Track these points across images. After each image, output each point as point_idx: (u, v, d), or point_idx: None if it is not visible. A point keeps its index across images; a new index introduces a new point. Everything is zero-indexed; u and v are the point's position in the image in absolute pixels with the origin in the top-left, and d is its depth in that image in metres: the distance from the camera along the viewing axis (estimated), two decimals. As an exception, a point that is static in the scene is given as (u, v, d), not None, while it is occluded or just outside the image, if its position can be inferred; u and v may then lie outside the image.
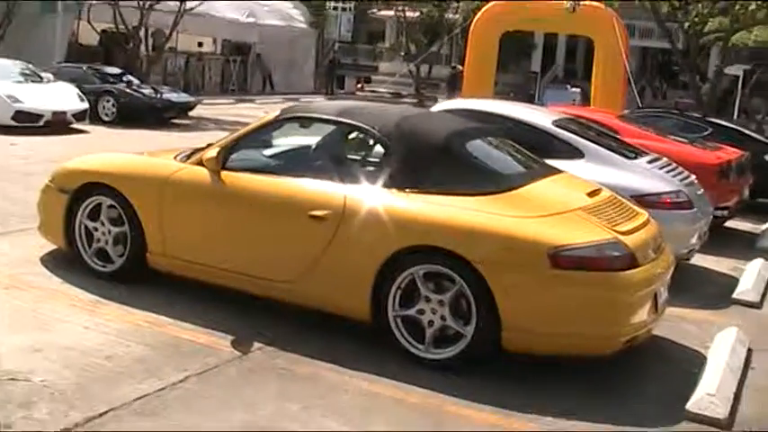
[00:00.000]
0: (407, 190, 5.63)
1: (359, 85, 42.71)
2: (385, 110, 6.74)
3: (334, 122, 6.38)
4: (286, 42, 36.29)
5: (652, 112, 15.87)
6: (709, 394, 5.25)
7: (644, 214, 6.17)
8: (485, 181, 5.72)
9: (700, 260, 9.25)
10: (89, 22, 26.12)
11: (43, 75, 19.25)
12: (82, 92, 18.98)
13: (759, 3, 15.10)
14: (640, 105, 21.77)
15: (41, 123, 17.16)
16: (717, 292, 8.28)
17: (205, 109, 23.69)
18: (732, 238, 11.23)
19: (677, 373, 5.93)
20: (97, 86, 20.48)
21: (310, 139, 6.84)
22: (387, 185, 5.71)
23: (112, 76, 21.95)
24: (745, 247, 10.70)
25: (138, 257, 6.61)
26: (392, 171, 5.79)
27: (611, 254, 5.26)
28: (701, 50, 19.73)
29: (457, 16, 35.10)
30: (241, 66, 34.94)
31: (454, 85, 30.37)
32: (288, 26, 36.84)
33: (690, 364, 6.01)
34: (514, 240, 5.25)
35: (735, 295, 8.06)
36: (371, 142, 5.97)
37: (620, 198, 6.26)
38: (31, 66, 19.37)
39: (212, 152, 6.28)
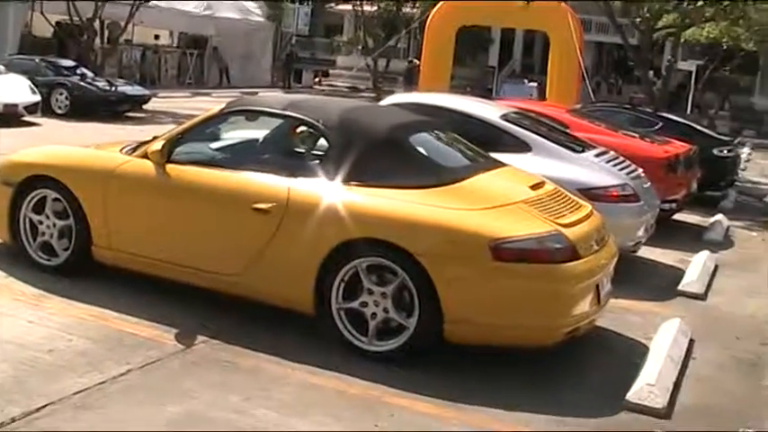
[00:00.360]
0: (351, 183, 5.64)
1: (317, 79, 42.66)
2: (330, 103, 6.75)
3: (280, 116, 6.37)
4: (243, 35, 36.12)
5: (604, 106, 16.08)
6: (648, 384, 5.32)
7: (587, 207, 6.24)
8: (428, 174, 5.74)
9: (647, 252, 9.38)
10: (42, 13, 25.74)
11: (-2, 67, 19.03)
12: (34, 84, 18.78)
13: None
14: (594, 100, 21.98)
15: (-9, 116, 16.93)
16: (662, 284, 8.40)
17: (161, 102, 23.50)
18: (680, 231, 11.40)
19: (619, 364, 6.00)
20: (50, 79, 20.28)
21: (257, 132, 6.82)
22: (330, 178, 5.71)
23: (66, 68, 21.72)
24: (692, 239, 10.87)
25: (84, 251, 6.56)
26: (336, 164, 5.79)
27: (553, 246, 5.30)
28: (653, 46, 19.90)
29: (415, 11, 35.10)
30: (198, 59, 34.70)
31: (411, 80, 30.34)
32: (244, 19, 36.63)
33: (632, 355, 6.09)
34: (456, 233, 5.28)
35: (680, 287, 8.18)
36: (316, 135, 5.97)
37: (563, 191, 6.31)
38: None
39: (157, 145, 6.26)
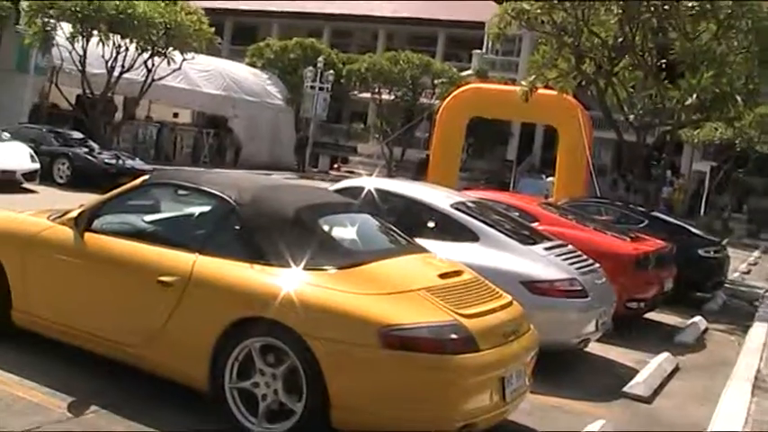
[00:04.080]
0: (253, 261, 5.55)
1: (335, 165, 42.99)
2: (247, 180, 6.71)
3: (195, 190, 6.34)
4: (262, 117, 36.58)
5: (593, 201, 16.00)
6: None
7: (505, 298, 6.06)
8: (330, 256, 5.62)
9: (602, 350, 9.17)
10: (57, 85, 26.27)
11: (1, 134, 19.30)
12: (40, 153, 19.07)
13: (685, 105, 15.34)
14: (599, 194, 21.91)
15: (-12, 181, 17.15)
16: (610, 384, 8.13)
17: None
18: (652, 331, 11.16)
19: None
20: (54, 149, 20.64)
21: (177, 206, 6.80)
22: (236, 255, 5.63)
23: (74, 139, 22.07)
24: (662, 340, 10.60)
25: (5, 314, 6.51)
26: (243, 241, 5.76)
27: (446, 336, 5.12)
28: (663, 145, 19.90)
29: (435, 101, 35.46)
30: (214, 138, 35.10)
31: (421, 170, 30.53)
32: (263, 102, 37.15)
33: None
34: (345, 317, 5.13)
35: (625, 388, 7.91)
36: (228, 211, 5.91)
37: (482, 281, 6.15)
38: (-10, 126, 19.48)
39: (75, 212, 6.25)
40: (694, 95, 15.12)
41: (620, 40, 16.66)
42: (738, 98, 15.38)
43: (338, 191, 8.72)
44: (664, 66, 16.85)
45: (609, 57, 17.01)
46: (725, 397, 8.01)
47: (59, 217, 6.60)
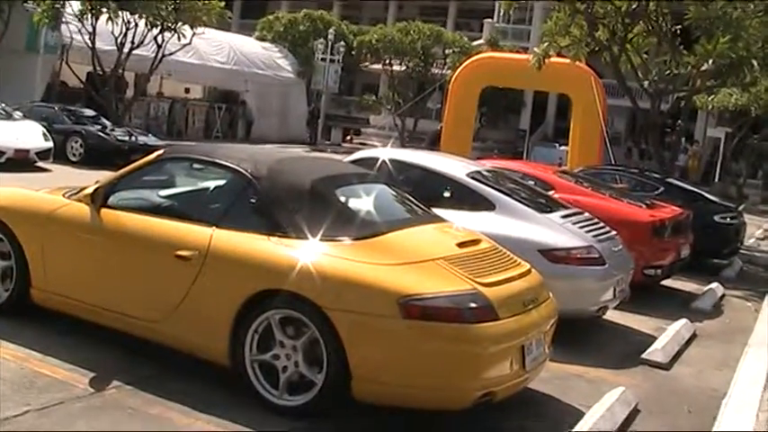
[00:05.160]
0: (270, 233, 5.55)
1: (348, 137, 42.87)
2: (262, 153, 6.69)
3: (211, 163, 6.33)
4: (273, 91, 36.49)
5: (608, 169, 15.94)
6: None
7: (524, 266, 6.04)
8: (347, 227, 5.60)
9: (621, 318, 9.14)
10: (67, 63, 26.25)
11: (14, 113, 19.32)
12: (52, 131, 19.07)
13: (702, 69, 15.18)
14: (614, 163, 21.82)
15: (2, 160, 17.26)
16: (628, 352, 8.11)
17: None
18: (670, 298, 11.12)
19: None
20: (67, 127, 20.62)
21: (192, 180, 6.79)
22: (252, 228, 5.63)
23: (86, 117, 22.06)
24: (680, 307, 10.56)
25: (23, 292, 6.55)
26: (259, 214, 5.76)
27: (466, 305, 5.11)
28: (679, 112, 19.76)
29: (447, 71, 35.25)
30: (226, 113, 35.06)
31: (434, 141, 30.42)
32: (274, 75, 37.06)
33: (561, 424, 5.84)
34: (364, 288, 5.12)
35: (644, 356, 7.89)
36: (244, 184, 5.89)
37: (500, 249, 6.13)
38: (3, 105, 19.43)
39: (90, 189, 6.25)
40: (710, 61, 14.96)
41: (634, 5, 16.47)
42: (755, 63, 15.21)
43: (354, 162, 8.71)
44: (678, 31, 16.67)
45: (622, 23, 16.81)
46: (743, 362, 8.00)
47: (75, 194, 6.59)
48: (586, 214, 8.90)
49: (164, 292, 5.80)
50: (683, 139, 31.22)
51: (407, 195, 6.67)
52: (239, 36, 39.04)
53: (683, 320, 9.21)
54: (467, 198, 8.29)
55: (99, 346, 6.18)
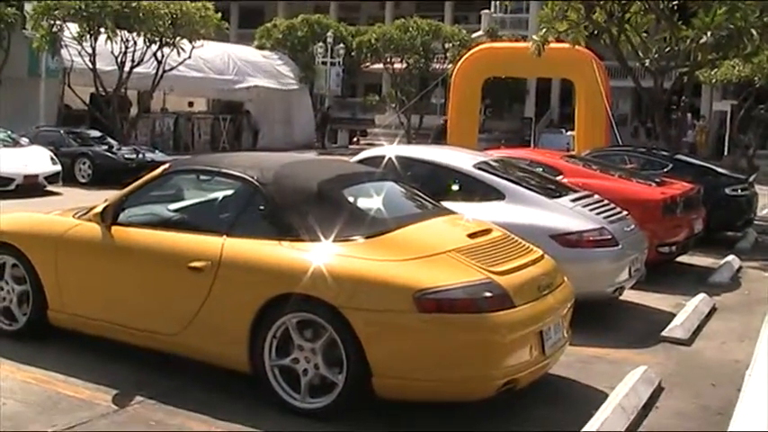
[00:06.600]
0: (281, 238, 5.57)
1: (354, 139, 42.84)
2: (267, 159, 6.70)
3: (217, 173, 6.35)
4: (277, 100, 36.51)
5: (615, 150, 15.88)
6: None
7: (536, 252, 6.04)
8: (357, 226, 5.61)
9: (638, 297, 9.12)
10: (69, 86, 26.32)
11: (20, 139, 19.44)
12: (59, 155, 19.22)
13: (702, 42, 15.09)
14: (621, 144, 21.74)
15: (12, 187, 17.33)
16: (648, 330, 8.08)
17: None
18: (686, 274, 11.08)
19: (567, 416, 5.72)
20: (74, 149, 20.73)
21: (199, 191, 6.82)
22: (263, 234, 5.66)
23: (92, 138, 22.12)
24: (698, 282, 10.51)
25: (40, 315, 6.60)
26: (268, 219, 5.80)
27: (481, 295, 5.11)
28: (672, 88, 19.69)
29: (448, 65, 35.19)
30: (231, 124, 35.12)
31: (439, 136, 30.39)
32: (276, 82, 37.07)
33: (586, 406, 5.80)
34: (378, 285, 5.14)
35: (664, 333, 7.87)
36: (251, 191, 5.91)
37: (511, 237, 6.13)
38: (9, 132, 19.56)
39: (99, 208, 6.29)
40: (709, 33, 14.87)
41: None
42: (754, 32, 15.09)
43: (360, 161, 8.72)
44: (676, 7, 16.61)
45: (619, 3, 16.76)
46: (764, 333, 7.94)
47: (85, 214, 6.64)
48: (596, 197, 8.89)
49: (180, 304, 5.83)
50: (690, 115, 31.12)
51: (415, 190, 6.67)
52: (239, 46, 39.06)
53: (702, 295, 9.18)
54: (476, 189, 8.29)
55: (119, 363, 6.23)
